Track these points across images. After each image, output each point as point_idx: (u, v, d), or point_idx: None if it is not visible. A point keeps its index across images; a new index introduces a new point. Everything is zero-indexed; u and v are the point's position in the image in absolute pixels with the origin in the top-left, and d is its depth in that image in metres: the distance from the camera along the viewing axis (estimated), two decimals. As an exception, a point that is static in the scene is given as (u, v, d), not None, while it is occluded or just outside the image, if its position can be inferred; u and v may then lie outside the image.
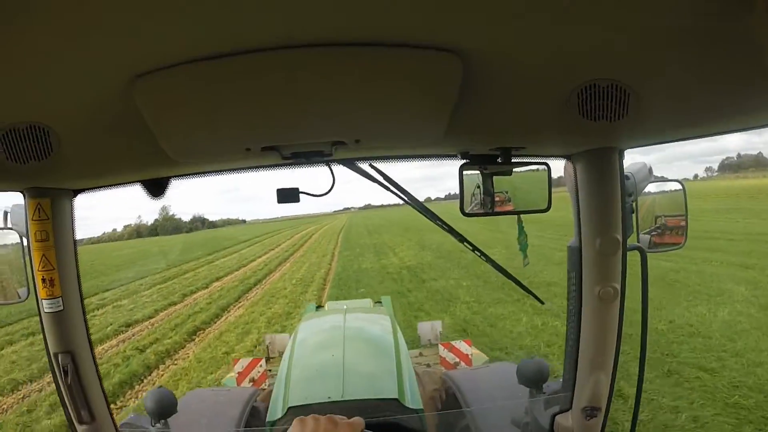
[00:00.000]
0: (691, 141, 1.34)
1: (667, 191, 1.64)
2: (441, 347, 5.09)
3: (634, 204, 1.49)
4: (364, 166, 1.46)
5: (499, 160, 1.38)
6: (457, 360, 4.97)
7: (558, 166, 1.51)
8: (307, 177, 1.74)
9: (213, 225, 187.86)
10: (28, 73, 0.85)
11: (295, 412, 2.18)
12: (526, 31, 0.84)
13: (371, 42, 0.87)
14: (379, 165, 1.48)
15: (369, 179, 1.48)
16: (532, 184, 1.46)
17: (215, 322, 12.27)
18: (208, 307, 13.78)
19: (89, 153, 1.20)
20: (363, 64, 0.91)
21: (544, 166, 1.44)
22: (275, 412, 2.34)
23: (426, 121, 1.09)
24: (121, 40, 0.79)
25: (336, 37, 0.85)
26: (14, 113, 0.99)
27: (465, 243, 1.65)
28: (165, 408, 1.84)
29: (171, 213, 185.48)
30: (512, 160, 1.39)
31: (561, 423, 1.63)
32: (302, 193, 1.44)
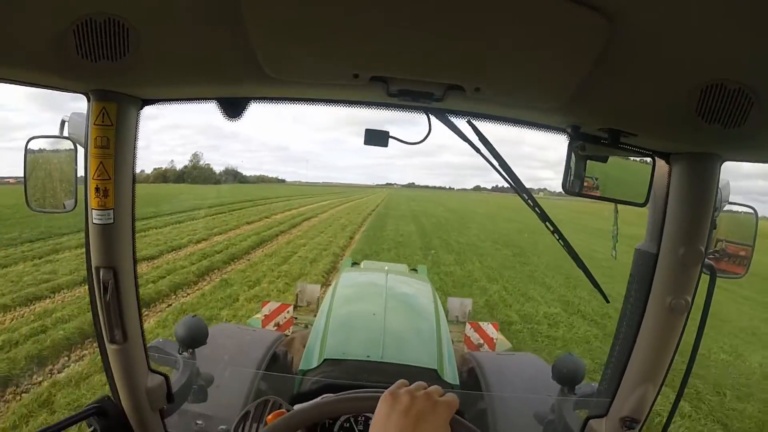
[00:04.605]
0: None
1: (738, 215, 1.50)
2: (468, 326, 4.97)
3: (716, 221, 1.40)
4: (458, 122, 1.33)
5: (604, 141, 1.29)
6: (481, 342, 4.87)
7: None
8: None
9: (245, 180, 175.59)
10: None
11: (330, 364, 2.21)
12: (682, 8, 0.82)
13: None
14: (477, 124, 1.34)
15: (463, 138, 1.34)
16: (629, 174, 1.37)
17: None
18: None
19: (171, 58, 1.08)
20: (505, 4, 0.84)
21: (648, 159, 1.34)
22: (310, 361, 2.33)
23: (556, 80, 1.03)
24: None
25: None
26: (93, 1, 0.91)
27: (547, 223, 1.48)
28: (195, 337, 1.85)
29: (203, 162, 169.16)
30: (617, 146, 1.30)
31: (594, 428, 1.55)
32: (392, 137, 1.34)
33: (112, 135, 1.22)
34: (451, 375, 2.34)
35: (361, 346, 2.33)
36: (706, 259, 1.38)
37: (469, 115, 1.32)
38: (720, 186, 1.35)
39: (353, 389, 1.06)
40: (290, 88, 1.24)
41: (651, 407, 1.45)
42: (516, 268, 14.29)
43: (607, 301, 1.63)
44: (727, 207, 1.42)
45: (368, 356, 2.21)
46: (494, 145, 1.33)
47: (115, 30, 0.94)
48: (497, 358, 3.26)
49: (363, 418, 1.38)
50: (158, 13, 0.92)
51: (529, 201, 1.44)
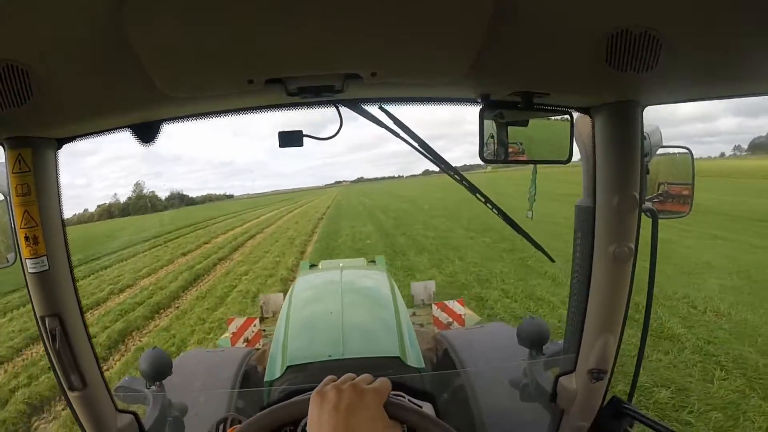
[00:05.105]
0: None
1: (675, 156, 1.53)
2: (434, 307, 4.91)
3: (648, 165, 1.41)
4: (373, 110, 1.33)
5: (519, 105, 1.28)
6: (450, 320, 4.81)
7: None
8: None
9: (192, 202, 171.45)
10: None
11: (294, 371, 2.16)
12: None
13: None
14: (390, 109, 1.35)
15: (378, 124, 1.33)
16: (551, 134, 1.34)
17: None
18: None
19: (74, 95, 1.08)
20: None
21: (566, 116, 1.33)
22: (273, 371, 2.26)
23: (450, 54, 1.00)
24: None
25: None
26: None
27: (477, 195, 1.51)
28: (160, 369, 1.81)
29: (146, 190, 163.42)
30: (533, 108, 1.31)
31: (564, 385, 1.57)
32: (306, 136, 1.32)
33: (32, 181, 1.21)
34: (415, 359, 2.29)
35: (321, 347, 2.29)
36: (648, 203, 1.39)
37: (379, 101, 1.29)
38: (649, 132, 1.35)
39: None
40: (193, 105, 1.23)
41: (616, 356, 1.46)
42: (504, 258, 12.04)
43: (552, 261, 1.67)
44: (662, 150, 1.43)
45: (330, 355, 2.19)
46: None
47: (15, 75, 0.90)
48: (467, 332, 3.35)
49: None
50: (53, 53, 0.89)
51: (456, 176, 1.45)
